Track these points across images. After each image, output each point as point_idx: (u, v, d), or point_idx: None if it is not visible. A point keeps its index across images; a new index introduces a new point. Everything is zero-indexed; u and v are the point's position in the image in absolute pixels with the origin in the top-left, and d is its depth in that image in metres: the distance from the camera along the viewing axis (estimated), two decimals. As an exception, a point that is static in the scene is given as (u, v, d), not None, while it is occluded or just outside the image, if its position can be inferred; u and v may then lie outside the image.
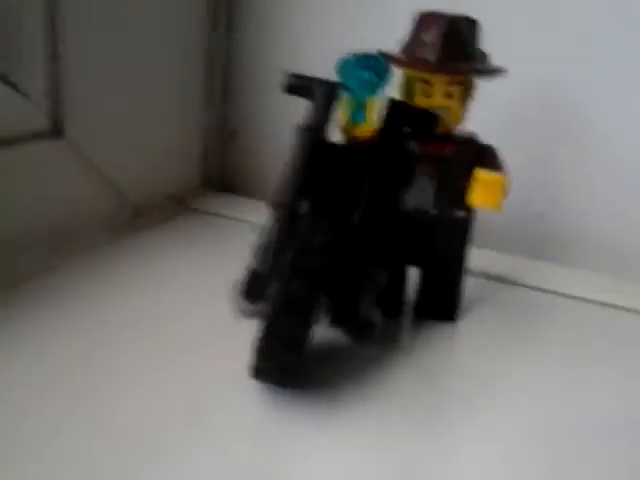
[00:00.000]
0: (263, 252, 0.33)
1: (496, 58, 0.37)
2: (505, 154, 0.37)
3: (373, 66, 0.34)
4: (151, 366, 0.33)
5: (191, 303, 0.39)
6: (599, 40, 0.47)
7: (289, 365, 0.30)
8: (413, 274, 0.39)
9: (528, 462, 0.29)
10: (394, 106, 0.35)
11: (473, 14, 0.36)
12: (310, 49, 0.53)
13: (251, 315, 0.32)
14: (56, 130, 0.44)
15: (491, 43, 0.37)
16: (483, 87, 0.37)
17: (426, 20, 0.35)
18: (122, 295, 0.39)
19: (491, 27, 0.37)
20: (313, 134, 0.34)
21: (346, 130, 0.35)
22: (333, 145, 0.34)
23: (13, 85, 0.40)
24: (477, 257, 0.41)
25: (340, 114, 0.35)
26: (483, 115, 0.38)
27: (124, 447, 0.27)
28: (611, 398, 0.34)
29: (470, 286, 0.41)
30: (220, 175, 0.60)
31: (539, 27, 0.48)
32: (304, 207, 0.33)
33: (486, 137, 0.37)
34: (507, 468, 0.29)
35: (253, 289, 0.32)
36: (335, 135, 0.35)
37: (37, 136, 0.43)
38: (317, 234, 0.31)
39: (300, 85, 0.35)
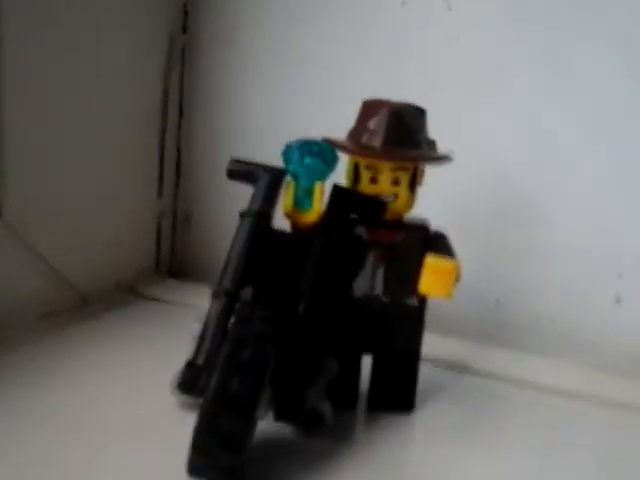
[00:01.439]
0: (200, 342, 0.32)
1: (446, 144, 0.37)
2: (461, 241, 0.37)
3: (317, 152, 0.34)
4: (88, 462, 0.31)
5: (135, 395, 0.37)
6: (548, 126, 0.48)
7: (228, 464, 0.28)
8: (367, 364, 0.38)
9: None
10: (338, 192, 0.34)
11: (426, 100, 0.36)
12: (262, 134, 0.54)
13: (192, 408, 0.31)
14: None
15: (440, 129, 0.37)
16: (438, 175, 0.37)
17: (371, 107, 0.35)
18: (61, 388, 0.37)
19: (438, 112, 0.37)
20: (256, 220, 0.33)
21: (291, 217, 0.35)
22: (277, 232, 0.34)
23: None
24: (432, 344, 0.40)
25: (285, 200, 0.35)
26: (439, 204, 0.38)
27: None
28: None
29: (426, 374, 0.39)
30: (173, 261, 0.60)
31: (486, 112, 0.49)
32: (245, 295, 0.32)
33: (443, 225, 0.37)
34: None
35: (189, 381, 0.31)
36: (280, 222, 0.35)
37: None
38: (254, 324, 0.30)
39: (243, 171, 0.35)
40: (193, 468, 0.28)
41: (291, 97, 0.54)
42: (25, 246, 0.45)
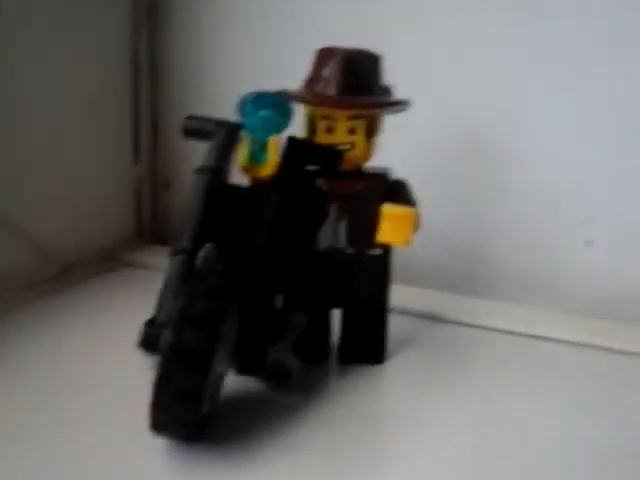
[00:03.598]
0: (160, 300, 0.32)
1: (413, 91, 0.36)
2: (429, 190, 0.36)
3: (272, 104, 0.33)
4: (60, 421, 0.32)
5: (110, 359, 0.38)
6: (516, 70, 0.47)
7: (188, 418, 0.28)
8: (337, 317, 0.38)
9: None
10: (292, 144, 0.34)
11: (390, 49, 0.36)
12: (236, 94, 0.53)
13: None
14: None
15: (408, 77, 0.37)
16: (405, 123, 0.37)
17: (325, 55, 0.35)
18: (45, 353, 0.38)
19: (409, 61, 0.36)
20: (211, 176, 0.33)
21: (247, 171, 0.34)
22: (233, 187, 0.33)
23: None
24: (403, 295, 0.40)
25: (240, 155, 0.34)
26: (408, 152, 0.37)
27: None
28: (543, 433, 0.33)
29: (396, 325, 0.39)
30: (154, 227, 0.59)
31: (456, 61, 0.48)
32: (202, 251, 0.32)
33: (412, 174, 0.36)
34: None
35: (149, 339, 0.31)
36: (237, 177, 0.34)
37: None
38: (208, 279, 0.29)
39: (198, 127, 0.34)
40: (155, 424, 0.28)
41: (269, 51, 0.52)
42: (5, 218, 0.45)
